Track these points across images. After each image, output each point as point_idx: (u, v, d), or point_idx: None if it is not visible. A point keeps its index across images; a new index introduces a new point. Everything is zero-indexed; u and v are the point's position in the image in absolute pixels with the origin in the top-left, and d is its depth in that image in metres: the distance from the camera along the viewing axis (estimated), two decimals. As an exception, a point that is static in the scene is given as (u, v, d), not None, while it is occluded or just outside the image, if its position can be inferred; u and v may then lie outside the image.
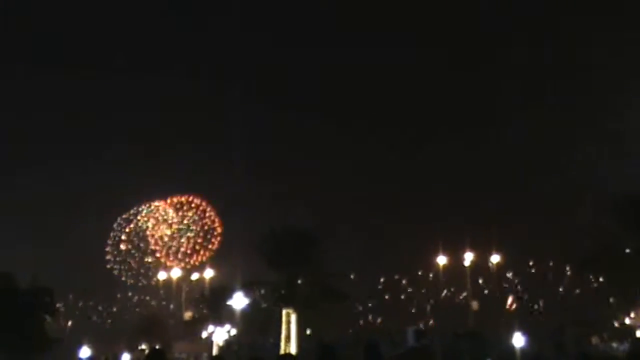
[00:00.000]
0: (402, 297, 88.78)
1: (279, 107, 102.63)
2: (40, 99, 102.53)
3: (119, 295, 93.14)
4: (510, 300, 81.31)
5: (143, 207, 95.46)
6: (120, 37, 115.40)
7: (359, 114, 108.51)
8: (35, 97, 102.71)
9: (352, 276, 67.65)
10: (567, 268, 78.03)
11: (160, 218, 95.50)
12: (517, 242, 79.16)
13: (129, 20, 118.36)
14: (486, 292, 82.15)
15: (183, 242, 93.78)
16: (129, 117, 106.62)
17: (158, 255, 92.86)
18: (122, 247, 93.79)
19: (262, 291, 44.43)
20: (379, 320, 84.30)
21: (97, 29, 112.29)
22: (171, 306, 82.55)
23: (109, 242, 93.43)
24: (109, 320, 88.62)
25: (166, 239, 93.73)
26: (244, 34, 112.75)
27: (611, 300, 54.30)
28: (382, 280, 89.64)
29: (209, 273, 72.12)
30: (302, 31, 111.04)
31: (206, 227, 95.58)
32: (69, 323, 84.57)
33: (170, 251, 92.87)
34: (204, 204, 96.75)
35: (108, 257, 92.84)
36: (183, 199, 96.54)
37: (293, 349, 38.81)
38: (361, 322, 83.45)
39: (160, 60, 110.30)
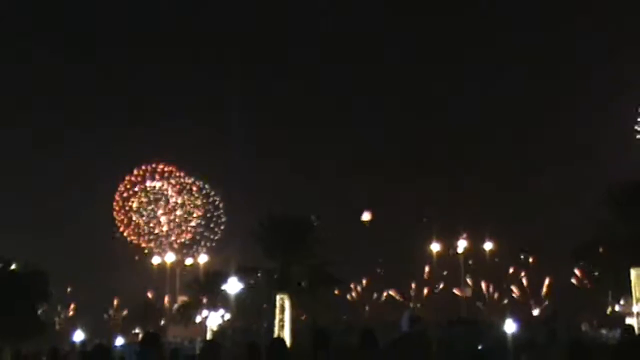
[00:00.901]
0: (396, 283, 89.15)
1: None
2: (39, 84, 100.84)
3: (115, 275, 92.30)
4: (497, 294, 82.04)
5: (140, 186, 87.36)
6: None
7: (358, 96, 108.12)
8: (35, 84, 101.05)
9: (346, 263, 67.89)
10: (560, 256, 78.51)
11: (157, 202, 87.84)
12: (511, 229, 79.64)
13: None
14: (479, 279, 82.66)
15: (183, 231, 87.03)
16: (126, 96, 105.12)
17: (151, 245, 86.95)
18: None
19: (259, 274, 44.69)
20: (372, 306, 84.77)
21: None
22: (165, 291, 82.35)
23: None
24: (103, 304, 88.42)
25: (164, 227, 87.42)
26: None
27: (602, 287, 54.77)
28: (379, 265, 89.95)
29: (203, 258, 72.29)
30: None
31: (209, 215, 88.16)
32: (65, 307, 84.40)
33: (167, 241, 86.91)
34: (207, 187, 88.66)
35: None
36: (183, 180, 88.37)
37: (287, 334, 39.04)
38: (355, 308, 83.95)
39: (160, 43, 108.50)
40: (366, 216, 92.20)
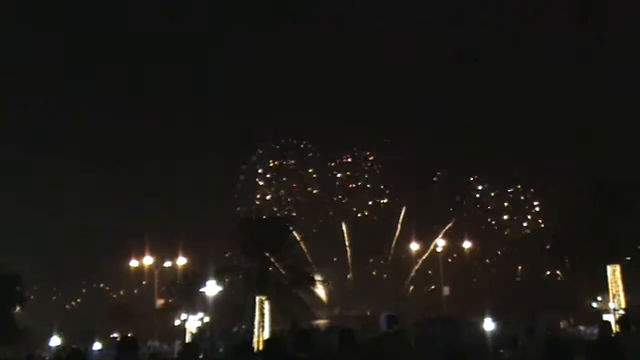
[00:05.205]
0: (375, 282, 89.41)
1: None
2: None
3: (94, 285, 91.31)
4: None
5: None
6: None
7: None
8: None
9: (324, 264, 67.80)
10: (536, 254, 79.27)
11: None
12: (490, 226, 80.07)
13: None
14: (458, 277, 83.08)
15: None
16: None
17: None
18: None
19: (240, 276, 44.49)
20: (351, 307, 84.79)
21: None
22: (143, 294, 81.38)
23: None
24: (80, 309, 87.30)
25: None
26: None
27: (579, 284, 55.36)
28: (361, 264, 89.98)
29: (181, 260, 71.49)
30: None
31: None
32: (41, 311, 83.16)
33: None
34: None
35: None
36: None
37: (267, 336, 38.75)
38: (334, 309, 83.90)
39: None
40: None
